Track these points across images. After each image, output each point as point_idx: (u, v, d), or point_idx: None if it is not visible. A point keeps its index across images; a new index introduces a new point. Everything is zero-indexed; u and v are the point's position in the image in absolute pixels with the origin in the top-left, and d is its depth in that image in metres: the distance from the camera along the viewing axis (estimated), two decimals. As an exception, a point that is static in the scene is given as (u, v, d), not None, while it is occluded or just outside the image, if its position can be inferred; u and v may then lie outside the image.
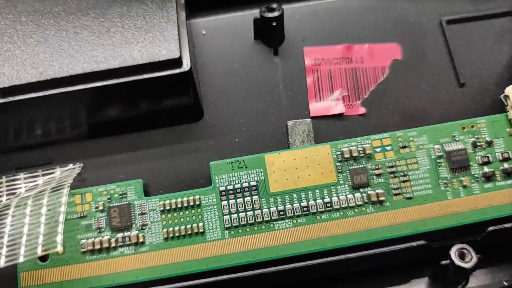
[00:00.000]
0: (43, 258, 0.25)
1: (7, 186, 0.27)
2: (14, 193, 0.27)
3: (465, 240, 0.26)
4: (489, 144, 0.27)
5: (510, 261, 0.28)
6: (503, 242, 0.27)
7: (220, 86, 0.28)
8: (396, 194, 0.26)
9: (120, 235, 0.25)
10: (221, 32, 0.29)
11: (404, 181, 0.26)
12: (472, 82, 0.29)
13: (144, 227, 0.25)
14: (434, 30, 0.30)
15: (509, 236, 0.26)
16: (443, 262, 0.26)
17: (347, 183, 0.26)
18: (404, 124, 0.28)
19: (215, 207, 0.25)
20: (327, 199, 0.26)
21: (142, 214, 0.25)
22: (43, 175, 0.27)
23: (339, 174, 0.26)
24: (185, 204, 0.25)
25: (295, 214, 0.25)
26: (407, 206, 0.26)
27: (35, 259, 0.25)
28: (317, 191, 0.26)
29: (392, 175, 0.26)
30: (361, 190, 0.26)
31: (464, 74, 0.29)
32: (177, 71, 0.25)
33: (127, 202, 0.26)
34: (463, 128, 0.27)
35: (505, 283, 0.26)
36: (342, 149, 0.26)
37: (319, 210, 0.25)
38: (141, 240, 0.25)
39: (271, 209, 0.25)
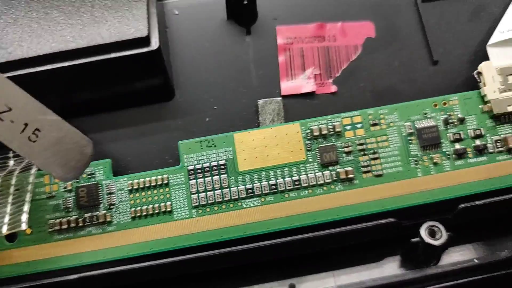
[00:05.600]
0: (11, 239, 0.25)
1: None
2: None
3: (437, 218, 0.26)
4: (461, 121, 0.27)
5: (484, 239, 0.28)
6: (476, 219, 0.27)
7: (192, 66, 0.28)
8: (365, 172, 0.26)
9: (88, 214, 0.25)
10: (193, 12, 0.29)
11: (374, 159, 0.26)
12: (445, 60, 0.28)
13: (112, 207, 0.25)
14: (409, 7, 0.29)
15: (480, 213, 0.26)
16: (413, 239, 0.25)
17: (316, 161, 0.26)
18: (376, 103, 0.27)
19: (183, 186, 0.25)
20: (295, 177, 0.25)
21: (110, 193, 0.25)
22: (14, 156, 0.27)
23: (308, 152, 0.26)
24: (153, 183, 0.25)
25: (263, 192, 0.25)
26: (377, 183, 0.26)
27: (2, 240, 0.25)
28: (286, 169, 0.26)
29: (361, 153, 0.26)
30: (330, 168, 0.26)
31: (438, 52, 0.28)
32: (145, 49, 0.25)
33: (95, 181, 0.25)
34: (435, 105, 0.27)
35: (476, 261, 0.26)
36: (311, 127, 0.26)
37: (287, 188, 0.25)
38: (108, 219, 0.25)
39: (239, 187, 0.25)
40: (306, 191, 0.25)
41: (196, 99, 0.27)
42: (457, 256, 0.27)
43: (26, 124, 0.20)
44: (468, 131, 0.27)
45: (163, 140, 0.27)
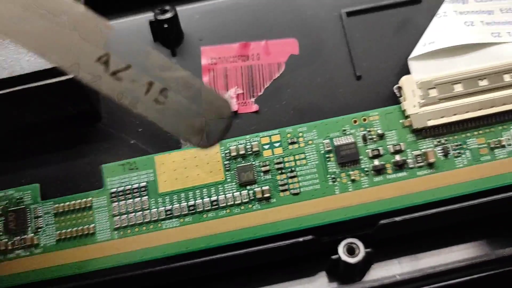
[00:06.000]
0: None
1: None
2: None
3: (359, 234, 0.26)
4: (381, 136, 0.27)
5: (409, 254, 0.28)
6: (403, 234, 0.27)
7: (118, 90, 0.29)
8: (283, 190, 0.26)
9: (17, 238, 0.26)
10: (122, 35, 0.29)
11: (292, 177, 0.26)
12: (369, 75, 0.28)
13: (39, 230, 0.26)
14: (334, 23, 0.29)
15: (401, 229, 0.26)
16: (333, 256, 0.26)
17: (234, 180, 0.26)
18: (298, 120, 0.27)
19: (106, 208, 0.26)
20: (214, 198, 0.26)
21: (37, 217, 0.26)
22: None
23: (226, 172, 0.26)
24: (77, 207, 0.26)
25: (182, 213, 0.26)
26: (294, 201, 0.26)
27: None
28: (204, 190, 0.26)
29: (279, 172, 0.26)
30: (248, 187, 0.26)
31: (362, 67, 0.28)
32: (63, 78, 0.26)
33: (23, 206, 0.27)
34: (355, 121, 0.27)
35: (398, 277, 0.26)
36: (230, 147, 0.27)
37: (205, 208, 0.26)
38: (35, 242, 0.26)
39: (159, 209, 0.26)
40: (224, 211, 0.26)
41: (122, 122, 0.28)
42: (382, 272, 0.27)
43: (150, 84, 0.17)
44: (388, 146, 0.27)
45: (90, 164, 0.28)
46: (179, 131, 0.18)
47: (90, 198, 0.26)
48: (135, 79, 0.17)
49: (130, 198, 0.26)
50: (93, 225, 0.26)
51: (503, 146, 0.27)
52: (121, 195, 0.26)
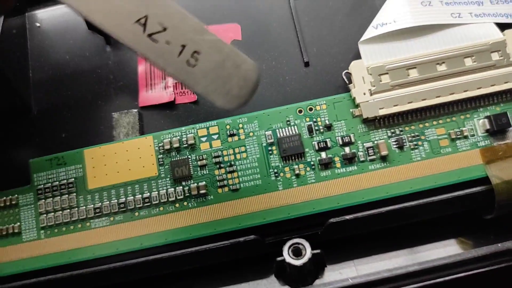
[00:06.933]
0: None
1: None
2: None
3: (306, 233, 0.24)
4: (329, 127, 0.24)
5: (364, 256, 0.26)
6: (351, 235, 0.25)
7: (51, 80, 0.27)
8: (221, 187, 0.24)
9: None
10: (55, 24, 0.28)
11: (231, 172, 0.24)
12: (319, 61, 0.26)
13: (-38, 229, 0.25)
14: (281, 6, 0.27)
15: (352, 229, 0.24)
16: (279, 258, 0.24)
17: (168, 176, 0.24)
18: (240, 111, 0.25)
19: (32, 206, 0.24)
20: (146, 194, 0.24)
21: (-40, 215, 0.25)
22: None
23: (160, 167, 0.24)
24: (2, 204, 0.24)
25: (112, 211, 0.24)
26: (233, 198, 0.24)
27: None
28: (136, 186, 0.24)
29: (217, 166, 0.24)
30: (183, 183, 0.24)
31: (311, 52, 0.26)
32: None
33: None
34: (300, 111, 0.25)
35: (350, 281, 0.24)
36: (164, 140, 0.25)
37: (137, 206, 0.24)
38: (-43, 242, 0.24)
39: (88, 206, 0.24)
40: (157, 209, 0.24)
41: (54, 114, 0.26)
42: (336, 275, 0.25)
43: (183, 46, 0.18)
44: (337, 138, 0.24)
45: (19, 158, 0.26)
46: (208, 92, 0.18)
47: (16, 195, 0.25)
48: (170, 41, 0.18)
49: (58, 195, 0.24)
50: (18, 224, 0.24)
51: (466, 137, 0.25)
52: (48, 192, 0.24)
